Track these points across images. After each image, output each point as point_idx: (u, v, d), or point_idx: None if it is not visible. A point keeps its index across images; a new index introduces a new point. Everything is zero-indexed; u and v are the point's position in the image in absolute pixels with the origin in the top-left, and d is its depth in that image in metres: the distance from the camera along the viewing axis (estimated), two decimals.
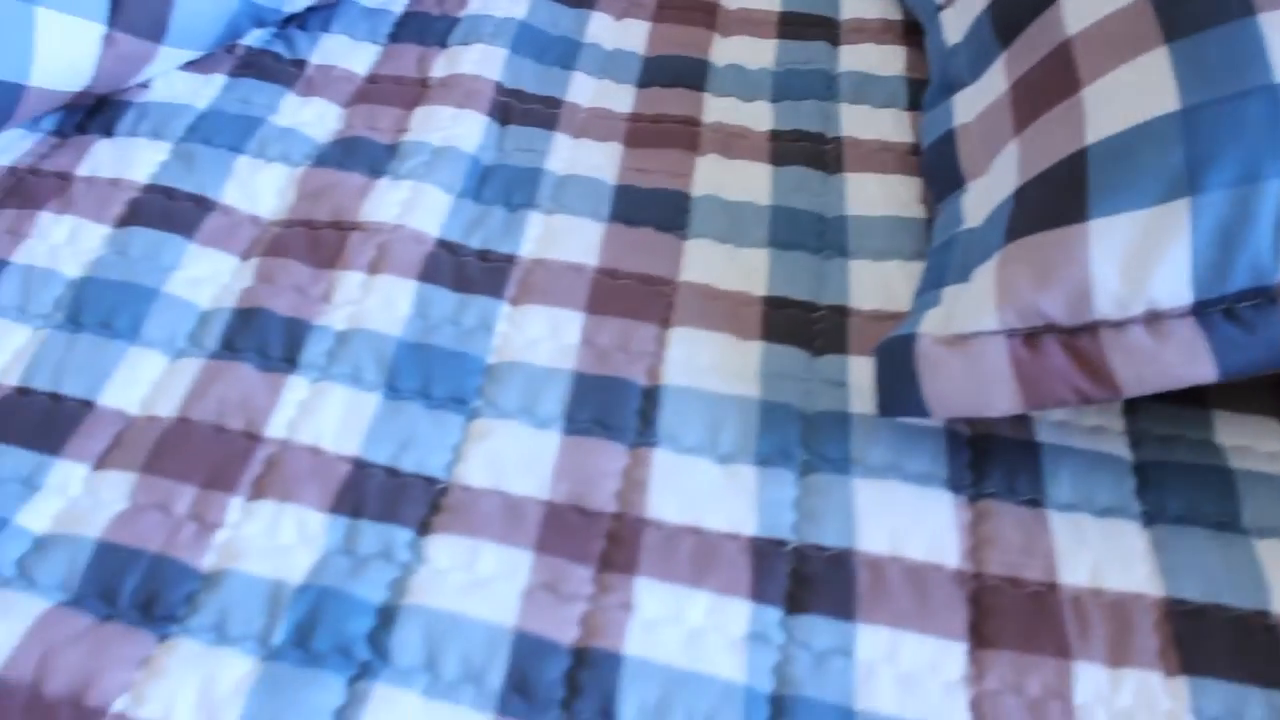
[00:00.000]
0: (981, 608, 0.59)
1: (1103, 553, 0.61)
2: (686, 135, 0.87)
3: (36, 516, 0.62)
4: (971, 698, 0.55)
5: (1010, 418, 0.67)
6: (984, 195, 0.71)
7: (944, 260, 0.70)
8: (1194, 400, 0.69)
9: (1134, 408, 0.68)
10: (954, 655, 0.57)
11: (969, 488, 0.64)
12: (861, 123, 0.87)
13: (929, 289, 0.69)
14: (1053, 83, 0.70)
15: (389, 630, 0.56)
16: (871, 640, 0.57)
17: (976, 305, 0.63)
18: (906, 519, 0.62)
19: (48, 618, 0.57)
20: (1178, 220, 0.59)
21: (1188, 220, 0.59)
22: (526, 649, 0.56)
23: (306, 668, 0.55)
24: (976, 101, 0.77)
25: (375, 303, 0.73)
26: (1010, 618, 0.58)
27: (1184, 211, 0.59)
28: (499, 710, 0.54)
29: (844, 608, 0.58)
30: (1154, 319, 0.59)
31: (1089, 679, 0.56)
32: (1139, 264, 0.60)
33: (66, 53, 0.80)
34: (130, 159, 0.82)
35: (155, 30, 0.84)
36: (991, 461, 0.65)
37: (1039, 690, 0.55)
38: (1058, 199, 0.64)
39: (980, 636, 0.58)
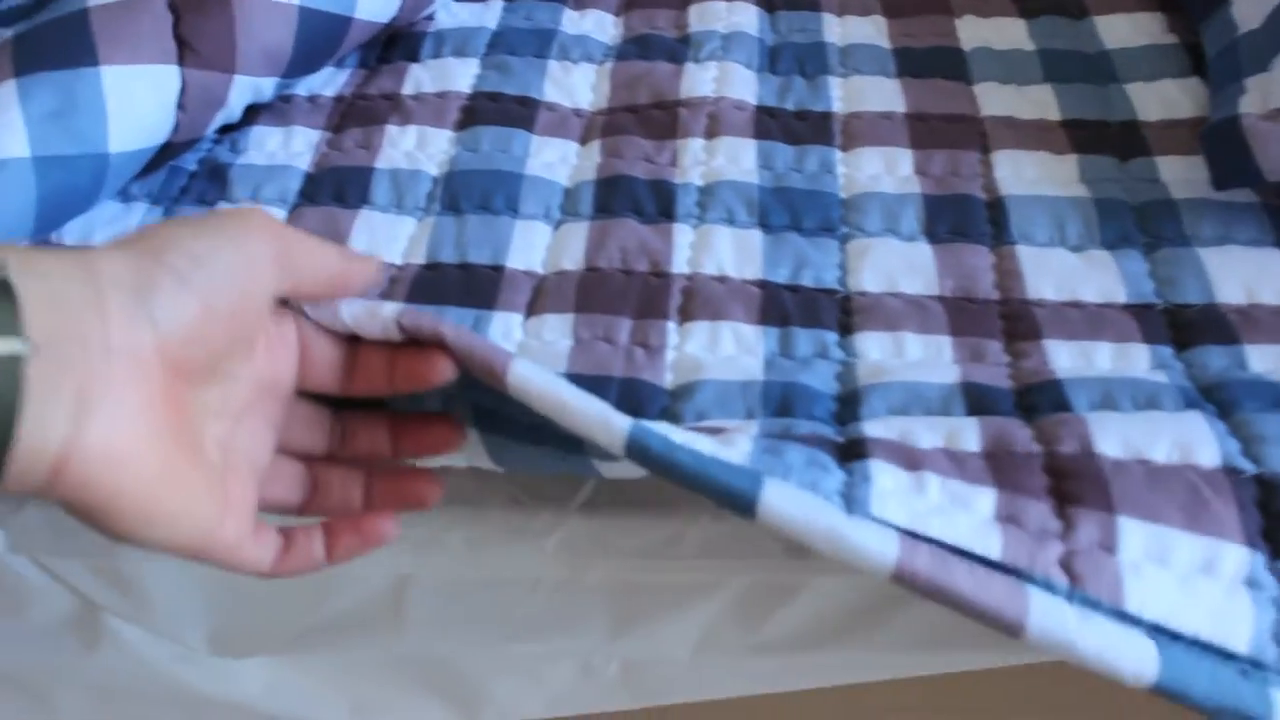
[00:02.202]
0: None
1: None
2: (938, 2, 0.96)
3: None
4: None
5: None
6: (1254, 3, 0.80)
7: (1231, 62, 0.79)
8: None
9: None
10: None
11: None
12: None
13: (1226, 85, 0.77)
14: None
15: (854, 409, 0.63)
16: (1260, 357, 0.65)
17: None
18: (1254, 274, 0.70)
19: None
20: None
21: None
22: (977, 394, 0.63)
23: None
24: None
25: (722, 162, 0.81)
26: None
27: None
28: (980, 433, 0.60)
29: (1228, 338, 0.66)
30: None
31: None
32: None
33: None
34: (448, 75, 0.90)
35: None
36: None
37: None
38: None
39: None
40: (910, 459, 0.54)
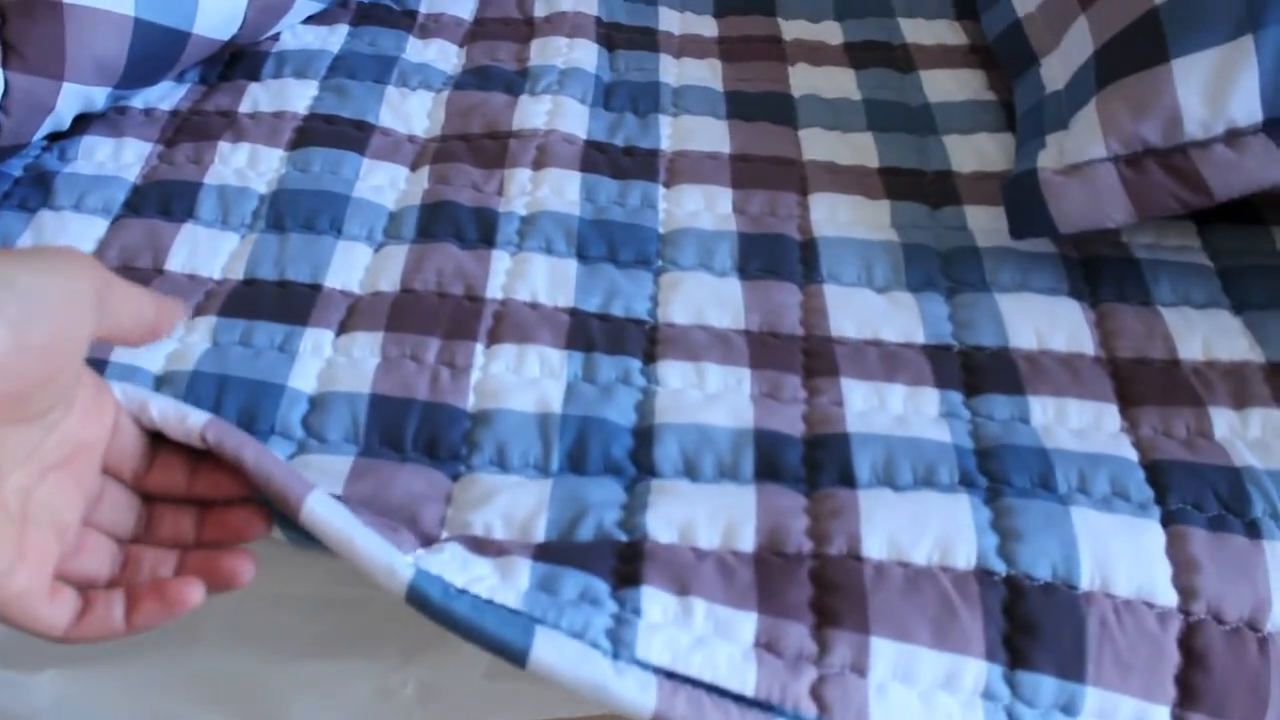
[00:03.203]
0: (1121, 379, 0.70)
1: (1209, 333, 0.73)
2: (774, 50, 0.99)
3: (304, 378, 0.68)
4: (1133, 441, 0.66)
5: (1109, 242, 0.79)
6: (1061, 64, 0.84)
7: (1036, 119, 0.82)
8: (1255, 221, 0.81)
9: (1205, 229, 0.81)
10: (1110, 414, 0.68)
11: (1089, 295, 0.76)
12: (920, 32, 1.01)
13: (1029, 140, 0.81)
14: None
15: (649, 448, 0.64)
16: (1042, 407, 0.68)
17: (1084, 140, 0.75)
18: (1045, 321, 0.74)
19: (357, 469, 0.63)
20: (1245, 53, 0.72)
21: (1254, 52, 0.72)
22: (767, 442, 0.65)
23: (589, 477, 0.64)
24: None
25: (547, 192, 0.82)
26: (1148, 385, 0.70)
27: (1250, 45, 0.72)
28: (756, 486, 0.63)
29: (1013, 387, 0.69)
30: (1234, 136, 0.72)
31: (1223, 420, 0.67)
32: (1217, 92, 0.72)
33: (223, 3, 0.89)
34: (286, 95, 0.91)
35: None
36: (1102, 275, 0.77)
37: (1185, 432, 0.67)
38: (1139, 49, 0.76)
39: (1127, 399, 0.69)
40: (682, 580, 0.56)
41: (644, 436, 0.66)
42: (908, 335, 0.73)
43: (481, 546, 0.58)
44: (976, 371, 0.71)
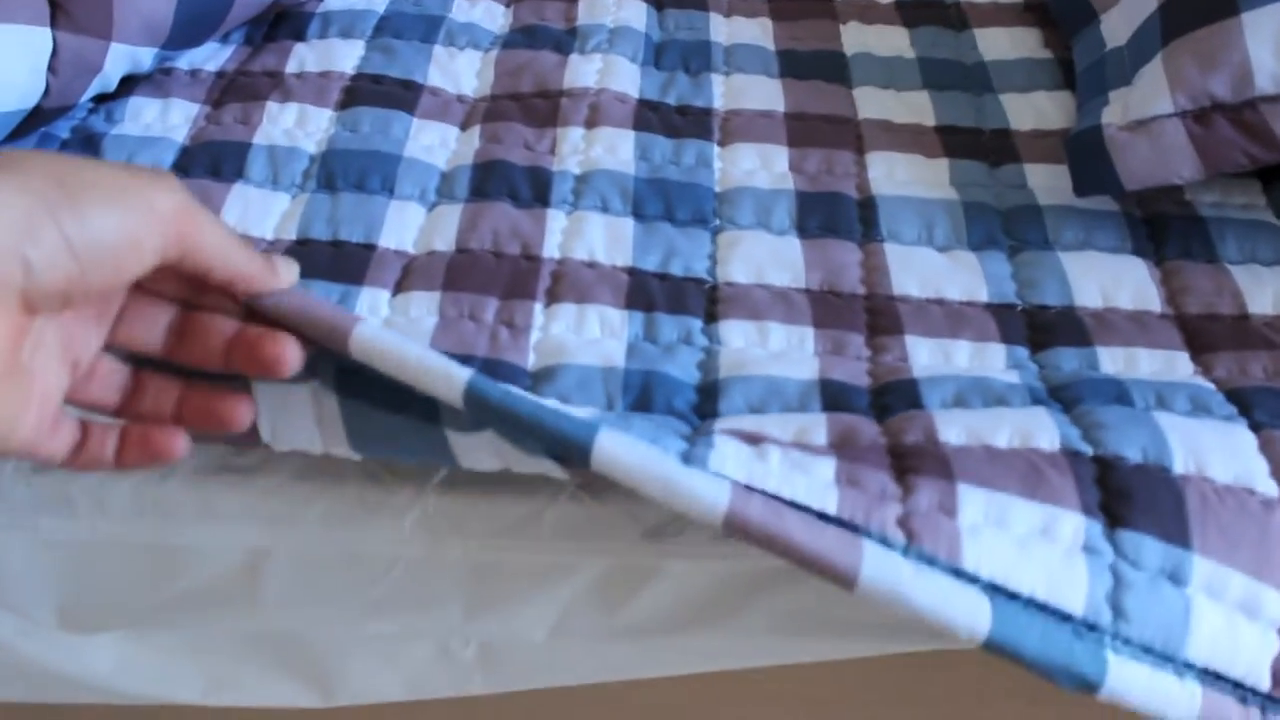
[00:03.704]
0: (1191, 331, 0.69)
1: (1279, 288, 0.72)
2: (824, 8, 0.98)
3: None
4: (1209, 380, 0.65)
5: (1173, 200, 0.78)
6: (1123, 20, 0.82)
7: (1098, 76, 0.81)
8: None
9: (1270, 187, 0.79)
10: (1183, 360, 0.67)
11: (1153, 253, 0.75)
12: None
13: (1092, 97, 0.80)
14: None
15: (714, 401, 0.63)
16: (1111, 358, 0.67)
17: (1150, 95, 0.74)
18: (1110, 279, 0.72)
19: None
20: None
21: None
22: (834, 390, 0.64)
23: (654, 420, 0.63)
24: None
25: (600, 151, 0.81)
26: (1219, 336, 0.69)
27: None
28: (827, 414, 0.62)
29: (1081, 340, 0.68)
30: None
31: None
32: None
33: None
34: (332, 55, 0.90)
35: None
36: (1168, 233, 0.76)
37: (1262, 374, 0.65)
38: (1207, 3, 0.75)
39: (1198, 347, 0.68)
40: (754, 439, 0.55)
41: (708, 391, 0.64)
42: (971, 294, 0.72)
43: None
44: (1042, 329, 0.69)
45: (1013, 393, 0.63)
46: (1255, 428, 0.59)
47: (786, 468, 0.52)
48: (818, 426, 0.58)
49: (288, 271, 0.53)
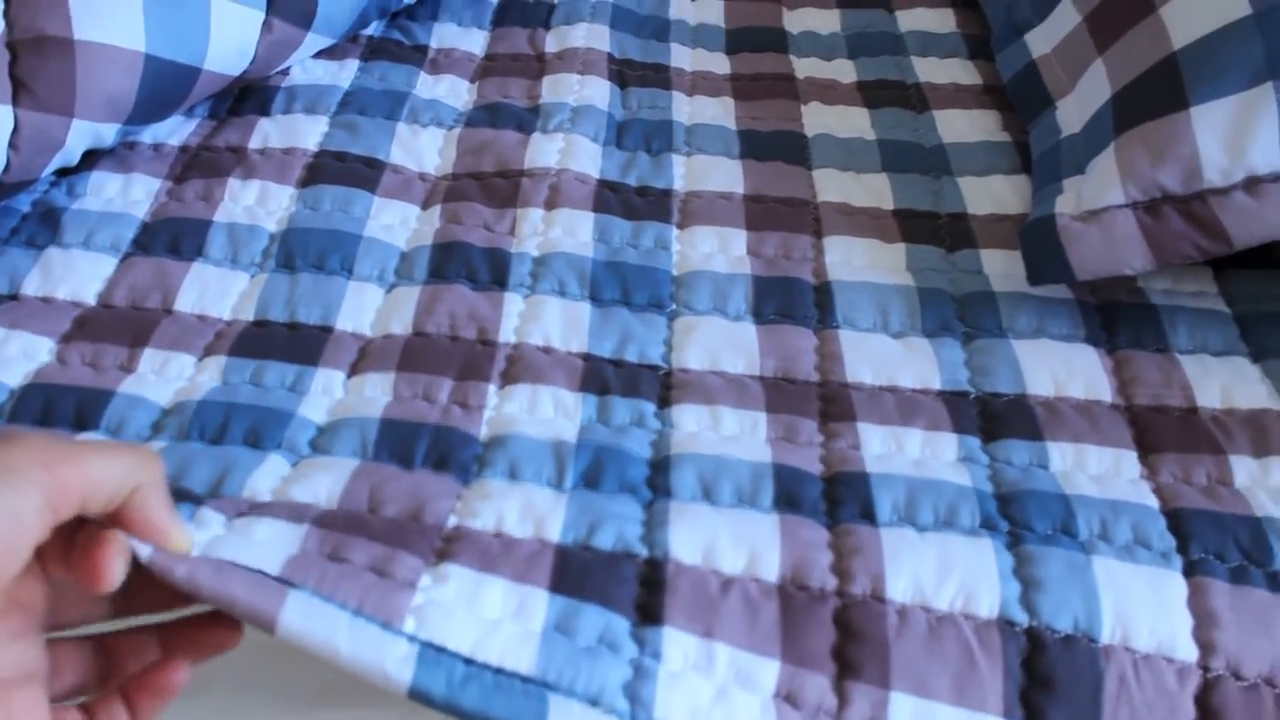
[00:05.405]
0: (1140, 427, 0.70)
1: (1227, 381, 0.72)
2: (786, 88, 0.99)
3: (315, 410, 0.68)
4: (1153, 488, 0.65)
5: (1126, 287, 0.78)
6: (1078, 108, 0.83)
7: (1053, 162, 0.82)
8: (1272, 265, 0.81)
9: (1221, 275, 0.80)
10: (1129, 460, 0.67)
11: (1106, 342, 0.75)
12: (933, 71, 1.00)
13: (1046, 184, 0.81)
14: (1127, 8, 0.83)
15: (665, 474, 0.64)
16: (1061, 453, 0.68)
17: (1102, 186, 0.75)
18: (1063, 367, 0.73)
19: (361, 470, 0.63)
20: (1265, 101, 0.72)
21: (1274, 100, 0.72)
22: (786, 476, 0.64)
23: (605, 494, 0.63)
24: (1050, 36, 0.91)
25: (559, 233, 0.82)
26: (1166, 432, 0.69)
27: (1270, 93, 0.72)
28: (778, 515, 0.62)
29: (1032, 433, 0.69)
30: (1254, 183, 0.72)
31: (1243, 468, 0.66)
32: (1237, 139, 0.72)
33: (234, 38, 0.88)
34: (296, 131, 0.90)
35: (305, 18, 0.93)
36: (1119, 321, 0.76)
37: (1205, 480, 0.66)
38: (1158, 95, 0.76)
39: (1146, 446, 0.68)
40: (705, 619, 0.56)
41: (660, 466, 0.65)
42: (924, 381, 0.72)
43: (492, 560, 0.56)
44: (994, 418, 0.70)
45: (962, 501, 0.63)
46: (1188, 571, 0.60)
47: (731, 679, 0.54)
48: (769, 554, 0.59)
49: (182, 536, 0.51)
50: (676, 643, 0.55)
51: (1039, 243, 0.76)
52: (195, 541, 0.53)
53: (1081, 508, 0.63)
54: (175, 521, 0.50)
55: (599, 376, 0.71)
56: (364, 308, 0.76)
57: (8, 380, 0.69)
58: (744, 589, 0.57)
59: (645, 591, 0.57)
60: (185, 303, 0.76)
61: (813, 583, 0.58)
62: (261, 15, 0.90)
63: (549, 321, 0.75)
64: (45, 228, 0.81)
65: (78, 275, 0.78)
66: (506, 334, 0.74)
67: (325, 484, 0.62)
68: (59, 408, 0.67)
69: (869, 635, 0.56)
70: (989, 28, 1.03)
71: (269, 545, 0.54)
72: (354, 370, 0.72)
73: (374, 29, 1.04)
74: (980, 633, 0.56)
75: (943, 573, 0.58)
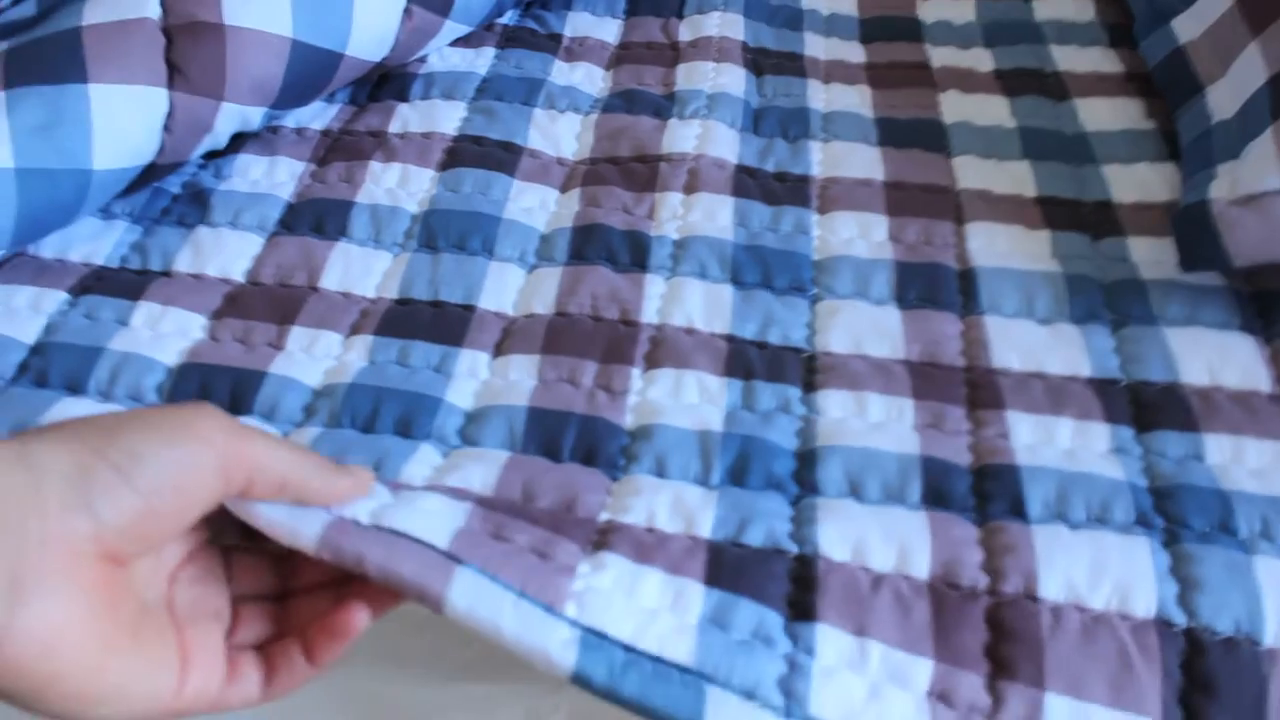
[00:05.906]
0: None
1: None
2: (922, 76, 0.97)
3: (460, 395, 0.69)
4: None
5: (1278, 276, 0.76)
6: (1230, 93, 0.81)
7: (1205, 148, 0.80)
8: None
9: None
10: None
11: (1262, 331, 0.73)
12: (1073, 59, 0.98)
13: (1198, 170, 0.79)
14: None
15: (812, 469, 0.64)
16: (1218, 446, 0.66)
17: (1260, 170, 0.73)
18: (1217, 356, 0.71)
19: (511, 462, 0.64)
20: None
21: None
22: (934, 470, 0.64)
23: (752, 491, 0.63)
24: (1199, 21, 0.88)
25: (698, 217, 0.82)
26: None
27: None
28: (926, 512, 0.62)
29: (1186, 424, 0.67)
30: None
31: None
32: None
33: (376, 25, 0.90)
34: (434, 116, 0.91)
35: (444, 6, 0.94)
36: (1276, 310, 0.74)
37: None
38: None
39: None
40: (858, 617, 0.55)
41: (806, 458, 0.65)
42: (1073, 368, 0.71)
43: (647, 551, 0.57)
44: (1146, 407, 0.68)
45: (1116, 496, 0.62)
46: None
47: (884, 678, 0.54)
48: (919, 552, 0.59)
49: (359, 481, 0.54)
50: (829, 639, 0.54)
51: (1192, 229, 0.74)
52: (367, 510, 0.53)
53: (1241, 504, 0.61)
54: (345, 473, 0.53)
55: (743, 359, 0.71)
56: (506, 287, 0.77)
57: (165, 359, 0.71)
58: (895, 587, 0.57)
59: (797, 588, 0.57)
60: (330, 280, 0.77)
61: (964, 581, 0.58)
62: (403, 2, 0.91)
63: (691, 303, 0.75)
64: (195, 208, 0.83)
65: (227, 253, 0.79)
66: (649, 315, 0.74)
67: (479, 475, 0.63)
68: (214, 389, 0.69)
69: (1022, 635, 0.55)
70: (1130, 16, 1.01)
71: (437, 516, 0.55)
72: (499, 350, 0.72)
73: (509, 18, 1.05)
74: (1136, 633, 0.55)
75: (1096, 572, 0.57)
